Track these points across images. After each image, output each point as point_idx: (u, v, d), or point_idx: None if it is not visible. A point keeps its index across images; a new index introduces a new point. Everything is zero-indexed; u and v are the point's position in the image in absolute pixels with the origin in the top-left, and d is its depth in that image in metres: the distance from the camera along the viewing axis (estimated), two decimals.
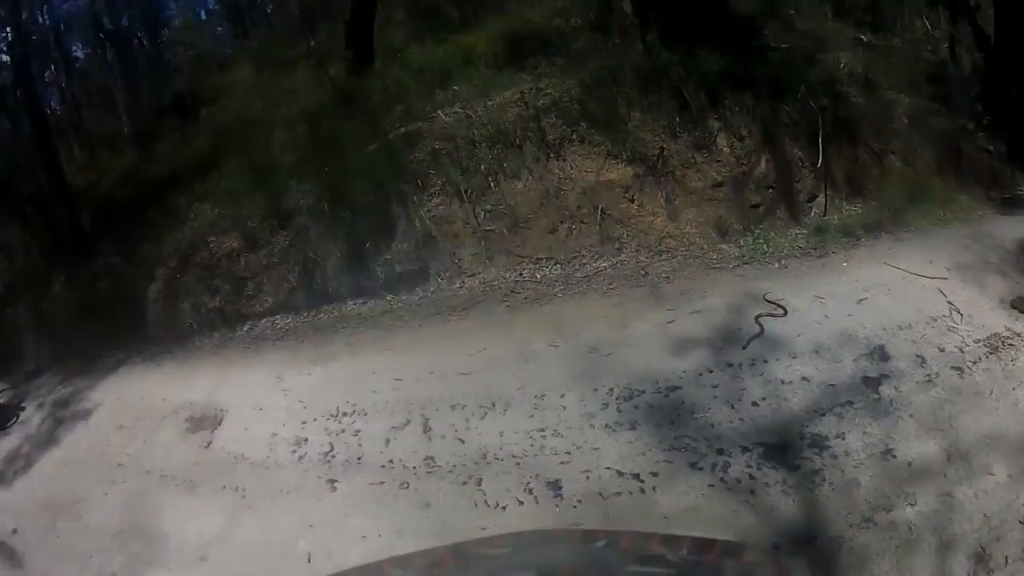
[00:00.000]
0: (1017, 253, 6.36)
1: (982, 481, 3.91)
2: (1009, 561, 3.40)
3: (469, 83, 8.06)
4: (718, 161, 7.00)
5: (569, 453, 4.38)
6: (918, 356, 4.89)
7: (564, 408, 4.71)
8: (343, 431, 5.10)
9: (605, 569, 1.36)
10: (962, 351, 4.94)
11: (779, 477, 4.06)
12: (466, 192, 6.84)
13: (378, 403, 5.22)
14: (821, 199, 7.24)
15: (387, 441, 4.87)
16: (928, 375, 4.73)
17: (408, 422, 4.94)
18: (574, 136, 7.01)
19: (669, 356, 5.06)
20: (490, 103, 7.45)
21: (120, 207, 9.91)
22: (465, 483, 4.34)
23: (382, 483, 4.53)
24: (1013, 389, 4.64)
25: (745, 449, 4.25)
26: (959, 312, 5.34)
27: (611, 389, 4.79)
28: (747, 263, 6.49)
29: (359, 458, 4.83)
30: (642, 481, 4.16)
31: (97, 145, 13.04)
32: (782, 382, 4.71)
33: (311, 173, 7.82)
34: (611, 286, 6.30)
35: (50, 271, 9.60)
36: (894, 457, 4.12)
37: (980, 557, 3.47)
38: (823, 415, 4.44)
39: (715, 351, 5.05)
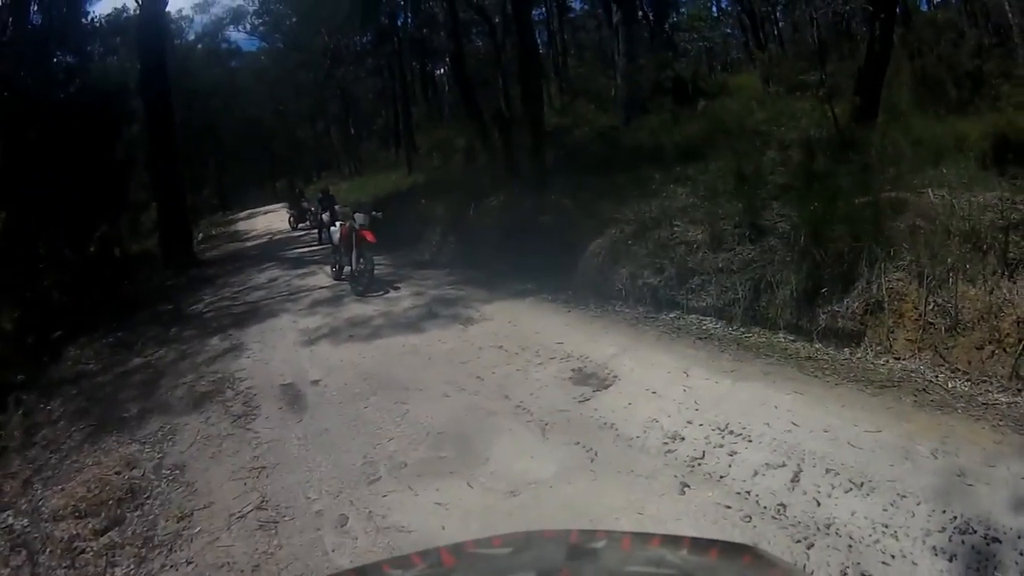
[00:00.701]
0: None
1: None
2: None
3: (958, 170, 8.52)
4: None
5: (893, 557, 4.61)
6: None
7: (912, 515, 4.88)
8: (721, 447, 5.46)
9: (605, 569, 1.40)
10: None
11: None
12: (927, 278, 7.30)
13: (765, 437, 5.55)
14: None
15: (755, 473, 5.16)
16: None
17: (784, 465, 5.22)
18: None
19: (1012, 509, 4.94)
20: (973, 199, 7.83)
21: (590, 159, 11.42)
22: (797, 542, 4.71)
23: (728, 507, 4.81)
24: None
25: None
26: None
27: (955, 517, 4.85)
28: None
29: (721, 477, 5.15)
30: None
31: (580, 97, 14.40)
32: None
33: (794, 200, 8.64)
34: (998, 419, 6.22)
35: (516, 203, 11.15)
36: None
37: None
38: None
39: None
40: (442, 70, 38.12)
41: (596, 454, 5.44)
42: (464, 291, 10.06)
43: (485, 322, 8.67)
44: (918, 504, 4.89)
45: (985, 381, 6.77)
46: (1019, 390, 6.61)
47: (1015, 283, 7.13)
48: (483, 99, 17.64)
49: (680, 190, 10.25)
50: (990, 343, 6.94)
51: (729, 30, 15.92)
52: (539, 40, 15.54)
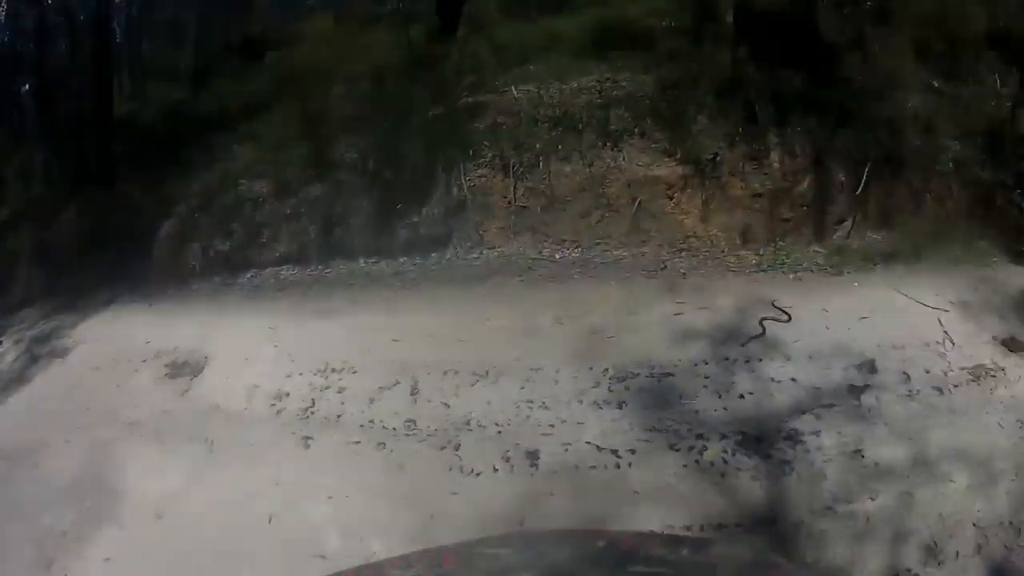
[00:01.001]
0: (1018, 300, 6.59)
1: (942, 486, 4.24)
2: (960, 556, 3.77)
3: (548, 65, 8.49)
4: (766, 174, 7.35)
5: (553, 426, 4.70)
6: (904, 374, 5.20)
7: (556, 383, 5.05)
8: (328, 387, 5.37)
9: (605, 569, 1.37)
10: (946, 375, 5.23)
11: (751, 464, 4.45)
12: (513, 167, 7.23)
13: (370, 362, 5.47)
14: (848, 224, 7.63)
15: (371, 401, 5.11)
16: (910, 391, 5.05)
17: (397, 383, 5.20)
18: (636, 130, 7.42)
19: (669, 345, 5.42)
20: (564, 87, 7.90)
21: (157, 140, 10.25)
22: (443, 448, 4.61)
23: (358, 443, 4.76)
24: (986, 414, 4.90)
25: (723, 436, 4.63)
26: (952, 341, 5.63)
27: (606, 369, 5.15)
28: (763, 271, 6.86)
29: (339, 416, 5.07)
30: (619, 457, 4.51)
31: (152, 77, 13.42)
32: (771, 380, 5.09)
33: (364, 129, 8.19)
34: (627, 275, 6.67)
35: (66, 199, 9.90)
36: (862, 457, 4.47)
37: (931, 550, 3.84)
38: (803, 414, 4.81)
39: (714, 345, 5.45)
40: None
41: (212, 443, 5.08)
42: (53, 322, 8.56)
43: (81, 346, 7.47)
44: (558, 371, 4.99)
45: (600, 243, 7.00)
46: (643, 241, 6.96)
47: (620, 151, 7.33)
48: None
49: (244, 148, 9.43)
50: (598, 209, 7.08)
51: None
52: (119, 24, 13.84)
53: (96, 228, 9.28)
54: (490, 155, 7.35)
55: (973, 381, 5.21)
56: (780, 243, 7.24)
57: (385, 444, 4.70)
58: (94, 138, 10.39)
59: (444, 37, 9.70)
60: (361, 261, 7.46)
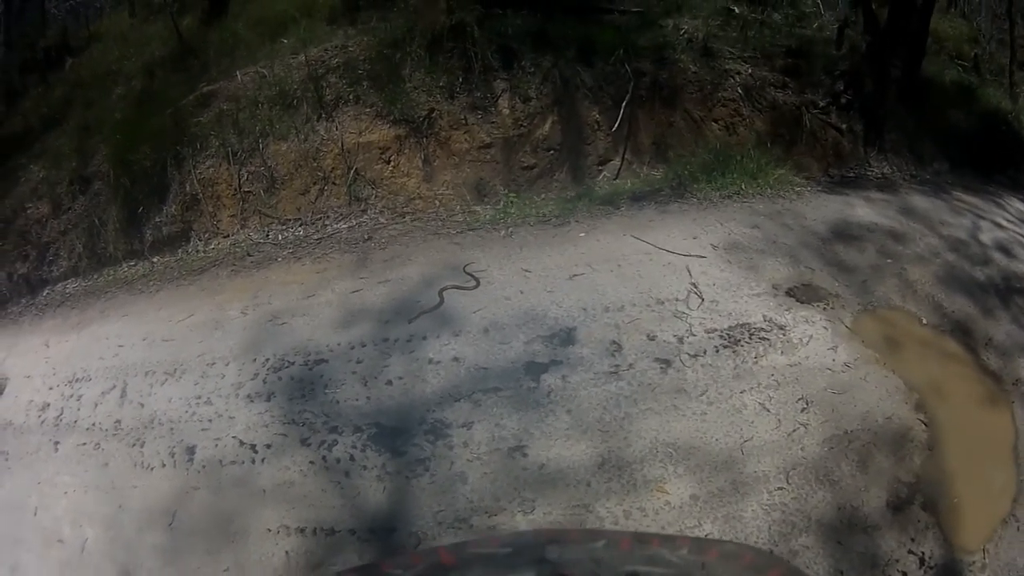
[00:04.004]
0: (824, 236, 6.40)
1: (644, 500, 4.01)
2: None
3: (299, 35, 8.78)
4: (492, 123, 7.48)
5: (211, 421, 5.07)
6: (613, 343, 4.95)
7: (223, 377, 5.37)
8: (72, 396, 5.81)
9: (605, 569, 1.44)
10: (682, 341, 4.97)
11: (380, 461, 4.37)
12: (235, 154, 7.61)
13: (100, 369, 5.98)
14: (616, 163, 7.78)
15: (95, 405, 5.55)
16: (616, 366, 4.78)
17: (114, 387, 5.68)
18: (350, 96, 7.69)
19: (335, 327, 5.48)
20: (292, 60, 8.24)
21: None
22: (133, 445, 5.12)
23: (84, 444, 5.26)
24: (740, 392, 4.63)
25: (357, 429, 4.58)
26: (699, 295, 5.38)
27: (267, 359, 5.40)
28: (475, 229, 6.83)
29: (76, 421, 5.53)
30: (256, 452, 4.78)
31: None
32: (429, 361, 4.95)
33: (127, 133, 8.56)
34: (326, 250, 6.90)
35: None
36: (524, 456, 4.25)
37: None
38: (457, 401, 4.61)
39: (381, 324, 5.39)
40: None
41: (7, 453, 5.64)
42: None
43: None
44: (228, 365, 5.36)
45: (320, 217, 7.35)
46: (362, 211, 7.28)
47: (334, 121, 7.63)
48: None
49: (35, 168, 9.62)
50: (316, 183, 7.45)
51: None
52: None
53: None
54: (216, 144, 7.69)
55: (727, 347, 4.96)
56: (520, 194, 7.46)
57: (99, 444, 5.20)
58: None
59: (213, 20, 10.08)
60: (124, 267, 7.91)
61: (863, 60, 8.75)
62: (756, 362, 4.81)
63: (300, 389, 5.02)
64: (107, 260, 8.09)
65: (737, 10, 9.06)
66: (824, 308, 5.37)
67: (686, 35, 8.42)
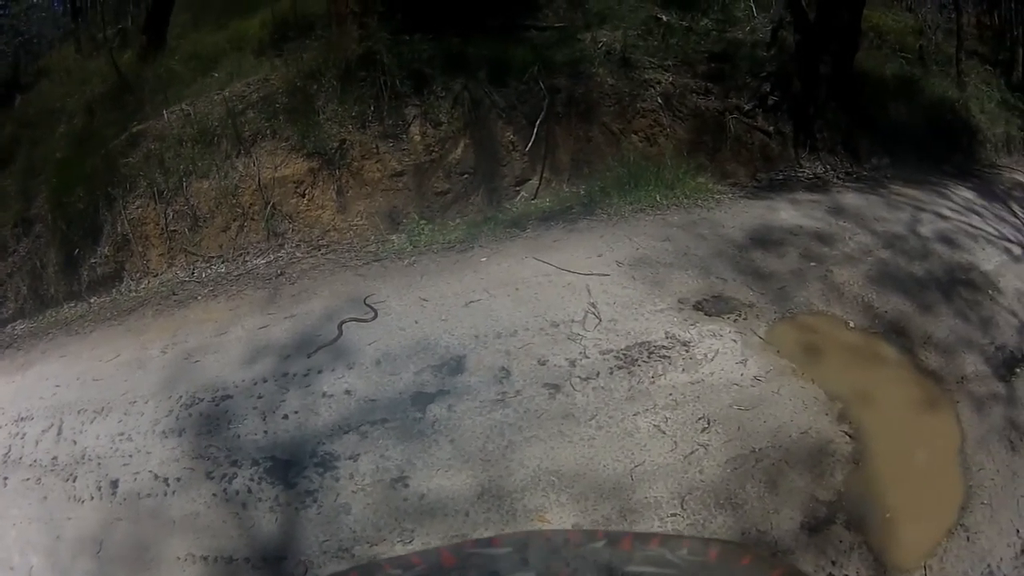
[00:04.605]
0: (741, 243, 6.33)
1: (522, 528, 3.94)
2: None
3: (230, 69, 9.17)
4: (404, 150, 7.68)
5: (131, 456, 5.36)
6: (503, 369, 4.94)
7: (142, 414, 5.66)
8: (17, 434, 6.16)
9: (605, 569, 1.44)
10: (574, 364, 4.91)
11: (273, 493, 4.49)
12: (161, 193, 7.92)
13: (40, 408, 6.32)
14: (534, 182, 7.96)
15: (36, 443, 5.92)
16: (503, 393, 4.75)
17: (52, 425, 6.01)
18: (268, 131, 7.96)
19: (241, 364, 5.68)
20: (219, 95, 8.55)
21: None
22: (67, 480, 5.43)
23: (28, 479, 5.60)
24: (633, 415, 4.50)
25: (255, 463, 4.73)
26: (597, 316, 5.34)
27: (180, 396, 5.67)
28: (379, 260, 6.98)
29: (21, 458, 5.87)
30: (168, 485, 5.05)
31: None
32: (323, 395, 5.07)
33: (63, 174, 8.91)
34: (242, 287, 7.16)
35: None
36: (406, 487, 4.28)
37: None
38: (346, 433, 4.71)
39: (283, 360, 5.55)
40: None
41: None
42: None
43: None
44: (147, 403, 5.65)
45: (241, 254, 7.64)
46: (280, 245, 7.57)
47: (251, 156, 7.92)
48: None
49: None
50: (236, 220, 7.74)
51: (57, 5, 15.05)
52: None
53: None
54: (144, 184, 7.99)
55: (622, 368, 4.86)
56: (433, 221, 7.67)
57: (40, 479, 5.51)
58: None
59: (150, 56, 10.36)
60: (65, 308, 8.22)
61: (792, 59, 8.89)
62: (653, 382, 4.71)
63: (207, 425, 5.17)
64: (49, 301, 8.42)
65: (664, 18, 9.19)
66: (735, 320, 5.31)
67: (604, 47, 8.60)
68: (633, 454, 4.24)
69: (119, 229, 8.07)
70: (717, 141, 8.34)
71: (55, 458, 5.61)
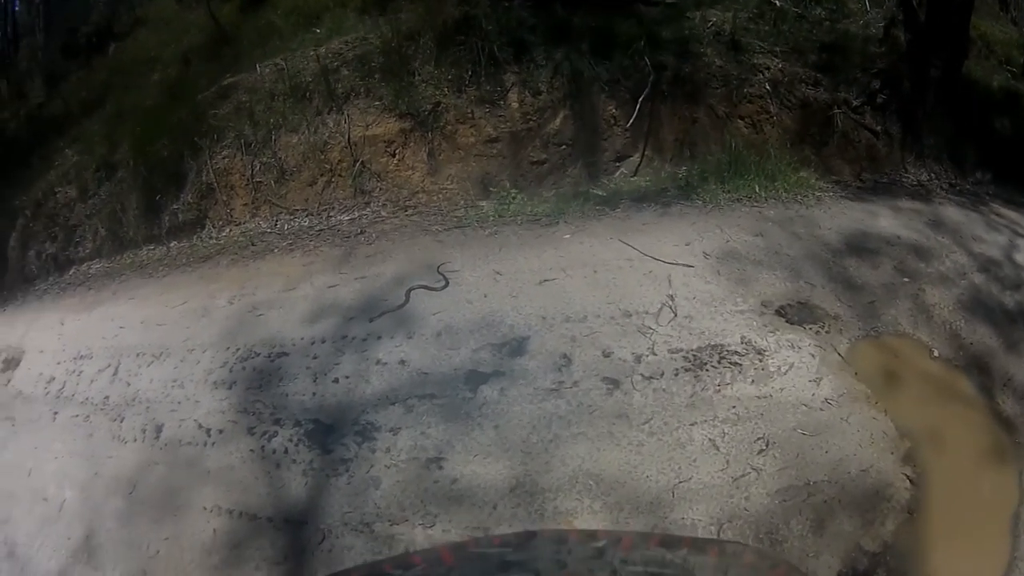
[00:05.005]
0: (836, 247, 5.93)
1: (537, 524, 3.83)
2: None
3: (331, 25, 9.19)
4: (500, 116, 7.57)
5: (180, 403, 5.48)
6: (564, 356, 4.76)
7: (198, 363, 5.77)
8: (74, 372, 6.43)
9: (605, 569, 1.46)
10: (638, 360, 4.67)
11: (309, 457, 4.53)
12: (249, 145, 8.01)
13: (100, 348, 6.57)
14: (635, 159, 7.74)
15: (92, 381, 6.15)
16: (559, 382, 4.58)
17: (109, 366, 6.24)
18: (361, 89, 7.95)
19: (303, 322, 5.72)
20: (315, 51, 8.51)
21: (11, 154, 11.31)
22: (115, 420, 5.62)
23: (77, 416, 5.81)
24: (690, 424, 4.23)
25: (297, 423, 4.78)
26: (673, 310, 5.06)
27: (238, 349, 5.74)
28: (471, 226, 6.89)
29: (73, 395, 6.11)
30: (209, 436, 5.12)
31: (13, 83, 14.48)
32: (377, 362, 5.03)
33: (150, 122, 9.09)
34: (320, 243, 7.20)
35: None
36: (440, 468, 4.20)
37: None
38: (392, 404, 4.65)
39: (345, 321, 5.55)
40: None
41: (14, 420, 6.24)
42: None
43: None
44: (204, 352, 5.76)
45: (326, 209, 7.65)
46: (366, 203, 7.54)
47: (343, 114, 7.89)
48: None
49: (70, 152, 10.30)
50: (323, 175, 7.75)
51: None
52: None
53: None
54: (232, 136, 8.08)
55: (688, 371, 4.58)
56: (533, 190, 7.54)
57: (89, 417, 5.71)
58: None
59: (253, 7, 10.48)
60: (144, 250, 8.46)
61: (902, 59, 8.50)
62: (719, 390, 4.43)
63: (259, 380, 5.26)
64: (128, 244, 8.64)
65: (778, 3, 8.85)
66: (817, 332, 4.93)
67: (713, 27, 8.33)
68: (681, 468, 4.02)
69: (204, 178, 8.16)
70: (824, 135, 7.97)
71: (107, 398, 5.86)
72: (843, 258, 5.75)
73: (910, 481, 4.02)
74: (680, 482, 3.94)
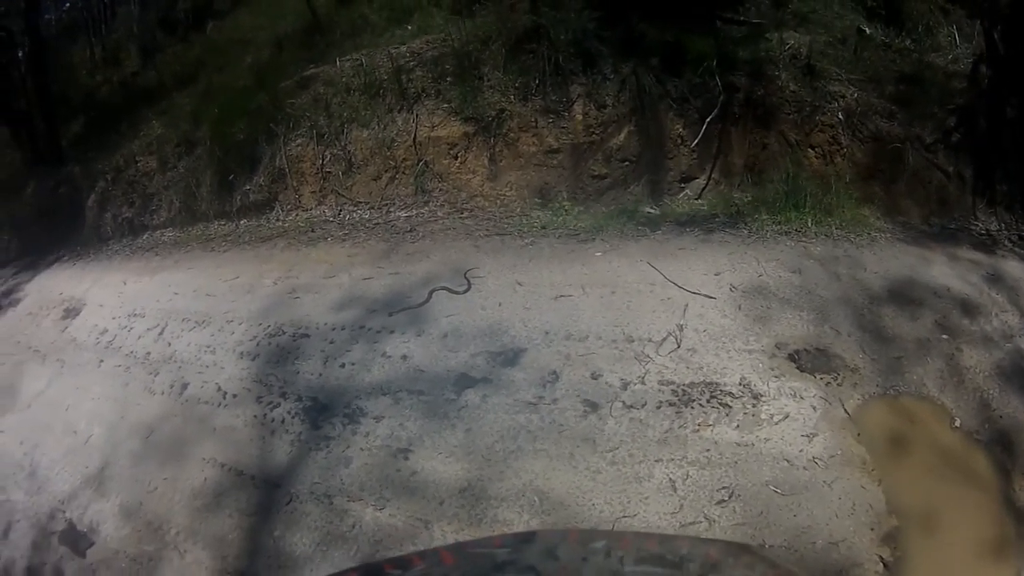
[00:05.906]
0: (876, 294, 5.66)
1: (480, 534, 3.96)
2: None
3: (421, 22, 9.66)
4: (563, 127, 7.79)
5: (208, 367, 6.30)
6: (553, 373, 4.95)
7: (232, 333, 6.59)
8: (126, 327, 7.50)
9: (605, 569, 1.48)
10: (625, 387, 4.73)
11: (299, 430, 5.18)
12: (322, 136, 8.60)
13: (153, 309, 7.57)
14: (701, 181, 7.79)
15: (139, 337, 7.19)
16: (540, 397, 4.78)
17: (157, 326, 7.20)
18: (432, 91, 8.37)
19: (330, 309, 6.44)
20: (395, 51, 9.00)
21: (101, 118, 12.43)
22: (151, 374, 6.49)
23: (119, 366, 6.83)
24: (655, 460, 4.21)
25: (299, 399, 5.46)
26: (677, 340, 5.07)
27: (269, 326, 6.50)
28: (510, 235, 7.21)
29: (120, 347, 7.19)
30: (224, 398, 5.83)
31: (109, 52, 15.50)
32: (383, 354, 5.61)
33: (230, 105, 9.76)
34: (370, 236, 7.80)
35: (27, 176, 12.32)
36: (405, 459, 4.60)
37: None
38: (383, 395, 5.18)
39: (367, 313, 6.20)
40: None
41: (64, 362, 7.36)
42: (17, 279, 11.03)
43: (27, 298, 9.93)
44: (240, 324, 6.52)
45: (387, 204, 8.19)
46: (425, 202, 7.99)
47: (412, 113, 8.35)
48: None
49: (155, 124, 11.09)
50: (388, 171, 8.26)
51: None
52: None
53: (49, 201, 11.75)
54: (307, 125, 8.71)
55: (672, 406, 4.56)
56: (592, 203, 7.73)
57: (129, 368, 6.67)
58: (41, 124, 12.63)
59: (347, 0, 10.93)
60: (215, 223, 9.27)
61: (980, 96, 8.26)
62: (696, 430, 4.36)
63: (278, 355, 6.00)
64: (200, 217, 9.46)
65: (868, 30, 8.78)
66: (828, 383, 4.70)
67: (790, 50, 8.26)
68: (630, 503, 4.02)
69: (277, 163, 8.80)
70: (894, 172, 7.53)
71: (148, 353, 6.81)
72: (880, 306, 5.51)
73: (884, 565, 3.67)
74: (624, 517, 3.95)
